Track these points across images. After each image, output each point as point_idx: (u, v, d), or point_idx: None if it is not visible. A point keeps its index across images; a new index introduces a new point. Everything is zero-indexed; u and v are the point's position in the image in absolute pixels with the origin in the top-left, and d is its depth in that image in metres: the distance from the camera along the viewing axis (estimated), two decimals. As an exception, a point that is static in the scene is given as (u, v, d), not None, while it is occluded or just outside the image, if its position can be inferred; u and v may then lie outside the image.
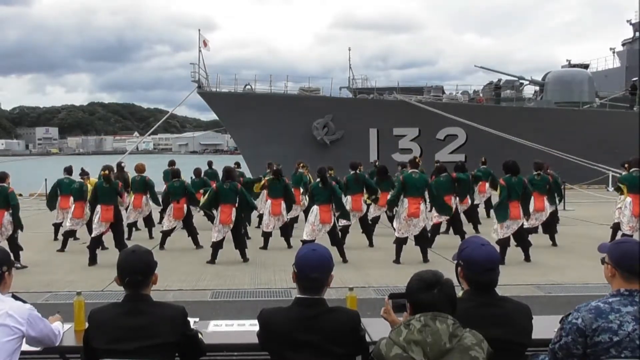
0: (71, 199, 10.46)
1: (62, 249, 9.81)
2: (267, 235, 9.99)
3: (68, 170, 11.14)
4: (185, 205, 10.19)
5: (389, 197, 9.18)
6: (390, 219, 11.80)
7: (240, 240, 8.94)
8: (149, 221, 11.51)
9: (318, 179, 8.94)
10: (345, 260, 8.53)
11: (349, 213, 9.46)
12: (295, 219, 11.50)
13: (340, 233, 9.35)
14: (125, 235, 10.15)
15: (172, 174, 10.78)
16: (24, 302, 2.75)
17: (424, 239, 8.80)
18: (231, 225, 8.77)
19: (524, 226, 8.81)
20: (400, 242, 8.63)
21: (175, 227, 10.33)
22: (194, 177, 12.17)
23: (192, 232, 10.23)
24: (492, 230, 8.61)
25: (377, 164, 13.43)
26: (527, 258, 8.54)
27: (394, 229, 11.48)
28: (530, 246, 8.75)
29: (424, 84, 28.56)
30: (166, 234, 10.15)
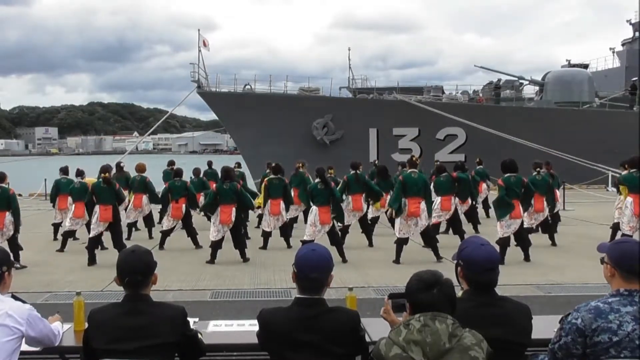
0: (69, 198, 10.48)
1: (62, 249, 9.81)
2: (266, 235, 9.99)
3: (64, 171, 11.22)
4: (183, 205, 10.20)
5: (390, 201, 9.13)
6: (390, 219, 11.81)
7: (240, 240, 8.94)
8: (148, 221, 11.52)
9: (317, 180, 8.94)
10: (344, 260, 8.53)
11: (344, 215, 9.47)
12: (294, 219, 11.50)
13: (340, 233, 9.36)
14: (125, 235, 10.18)
15: (174, 173, 10.81)
16: (24, 302, 2.75)
17: (431, 238, 8.79)
18: (231, 225, 8.78)
19: (524, 226, 8.83)
20: (401, 243, 8.63)
21: (174, 227, 10.34)
22: (192, 177, 12.17)
23: (192, 232, 10.23)
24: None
25: (376, 163, 13.42)
26: (527, 258, 8.55)
27: (394, 229, 11.53)
28: (529, 246, 8.76)
29: (424, 84, 28.57)
30: (165, 233, 10.15)
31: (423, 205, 8.62)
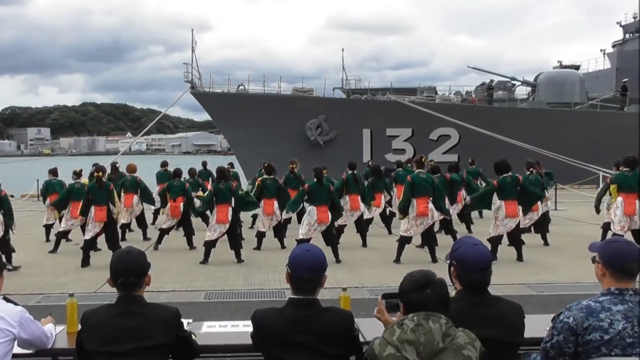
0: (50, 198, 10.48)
1: (55, 250, 9.76)
2: (260, 235, 9.99)
3: (53, 172, 11.24)
4: (181, 204, 10.23)
5: (400, 204, 9.16)
6: (385, 219, 11.85)
7: (235, 240, 8.93)
8: (142, 222, 11.47)
9: (315, 179, 8.97)
10: (338, 261, 8.54)
11: (342, 215, 9.47)
12: (288, 220, 11.50)
13: (335, 233, 9.37)
14: (119, 237, 10.16)
15: (174, 174, 10.85)
16: (16, 304, 2.73)
17: (432, 238, 8.81)
18: (227, 225, 8.77)
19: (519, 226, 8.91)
20: (404, 241, 8.68)
21: (173, 226, 10.35)
22: (188, 177, 12.17)
23: (189, 233, 10.24)
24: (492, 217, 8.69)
25: (370, 164, 13.46)
26: (520, 257, 8.60)
27: (388, 230, 11.58)
28: (522, 245, 8.82)
29: (417, 85, 28.67)
30: (164, 232, 10.19)
31: (431, 205, 8.66)
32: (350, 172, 10.27)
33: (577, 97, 26.11)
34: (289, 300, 2.55)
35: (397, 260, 8.54)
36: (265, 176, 10.27)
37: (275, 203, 10.01)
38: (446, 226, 10.38)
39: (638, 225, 8.43)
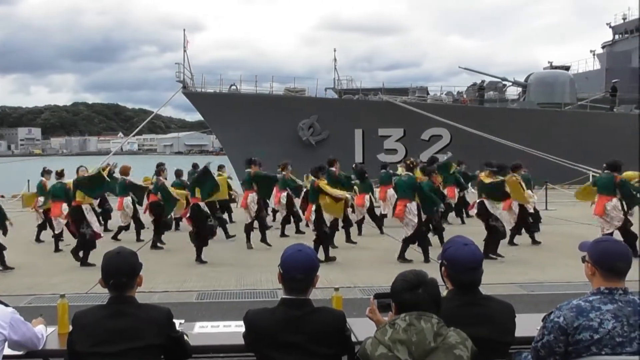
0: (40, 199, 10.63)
1: (57, 250, 9.77)
2: (248, 229, 10.05)
3: (47, 173, 11.16)
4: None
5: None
6: (375, 219, 11.87)
7: (200, 238, 8.88)
8: (137, 223, 11.37)
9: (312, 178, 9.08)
10: (327, 260, 8.55)
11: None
12: (287, 220, 11.57)
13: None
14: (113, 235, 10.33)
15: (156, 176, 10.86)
16: (6, 305, 2.72)
17: (422, 238, 8.86)
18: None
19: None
20: (407, 241, 8.76)
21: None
22: (175, 178, 12.08)
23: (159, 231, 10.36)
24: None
25: (354, 166, 13.49)
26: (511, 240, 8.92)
27: (380, 230, 11.63)
28: (502, 238, 9.00)
29: (409, 85, 28.73)
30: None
31: (410, 206, 8.67)
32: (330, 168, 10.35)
33: (567, 98, 26.30)
34: (281, 301, 2.56)
35: (402, 255, 8.58)
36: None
37: (251, 195, 10.00)
38: (435, 227, 10.43)
39: (606, 230, 8.46)
